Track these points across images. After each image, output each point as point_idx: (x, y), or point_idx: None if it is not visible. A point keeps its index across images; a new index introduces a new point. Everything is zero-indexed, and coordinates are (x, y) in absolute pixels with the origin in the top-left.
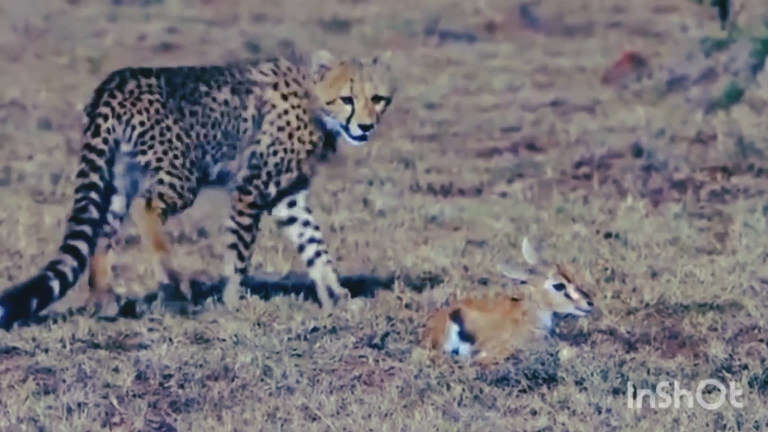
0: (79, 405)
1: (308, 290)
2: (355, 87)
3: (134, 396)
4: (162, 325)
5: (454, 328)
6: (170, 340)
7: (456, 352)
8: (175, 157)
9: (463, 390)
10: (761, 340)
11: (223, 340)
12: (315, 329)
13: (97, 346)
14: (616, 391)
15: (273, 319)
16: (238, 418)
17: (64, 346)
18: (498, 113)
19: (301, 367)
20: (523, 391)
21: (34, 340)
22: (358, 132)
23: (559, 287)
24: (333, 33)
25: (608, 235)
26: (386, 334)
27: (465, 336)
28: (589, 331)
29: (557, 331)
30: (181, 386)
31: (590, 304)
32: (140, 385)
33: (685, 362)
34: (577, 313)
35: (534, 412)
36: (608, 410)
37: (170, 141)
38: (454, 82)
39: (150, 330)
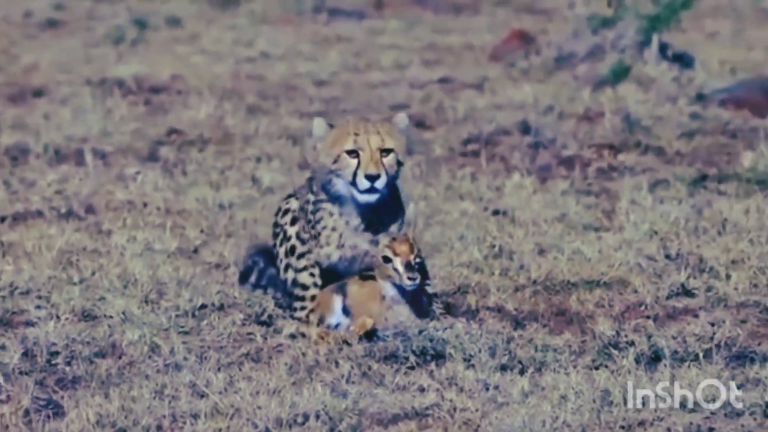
0: None
1: (196, 267)
2: (360, 140)
3: (21, 373)
4: (49, 302)
5: (339, 302)
6: (57, 317)
7: (337, 326)
8: None
9: (352, 367)
10: (648, 317)
11: (111, 317)
12: (203, 306)
13: None
14: (503, 368)
15: (161, 296)
16: (126, 395)
17: None
18: (387, 90)
19: (188, 344)
20: (412, 367)
21: None
22: (365, 184)
23: (387, 260)
24: (222, 10)
25: (496, 212)
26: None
27: (346, 310)
28: (477, 308)
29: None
30: (69, 363)
31: (412, 279)
32: (27, 363)
33: (572, 339)
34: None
35: (422, 389)
36: (496, 387)
37: None
38: (342, 59)
39: (37, 307)
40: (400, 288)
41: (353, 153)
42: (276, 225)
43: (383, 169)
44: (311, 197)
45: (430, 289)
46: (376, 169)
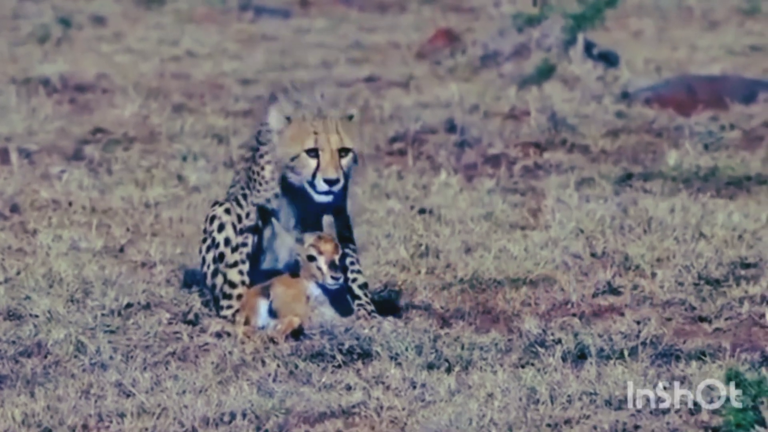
0: None
1: (122, 266)
2: (320, 139)
3: None
4: None
5: (264, 304)
6: None
7: (263, 328)
8: None
9: (278, 366)
10: (574, 315)
11: (36, 316)
12: (129, 305)
13: None
14: (430, 366)
15: (86, 295)
16: (52, 394)
17: None
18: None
19: (114, 344)
20: (338, 366)
21: None
22: (324, 187)
23: (311, 259)
24: (147, 9)
25: (422, 211)
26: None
27: (272, 312)
28: (404, 307)
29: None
30: None
31: (335, 278)
32: None
33: (498, 337)
34: (329, 286)
35: (349, 387)
36: (423, 385)
37: None
38: (268, 57)
39: None
40: (323, 287)
41: (313, 152)
42: (204, 231)
43: (342, 172)
44: (258, 147)
45: (361, 279)
46: (336, 174)
